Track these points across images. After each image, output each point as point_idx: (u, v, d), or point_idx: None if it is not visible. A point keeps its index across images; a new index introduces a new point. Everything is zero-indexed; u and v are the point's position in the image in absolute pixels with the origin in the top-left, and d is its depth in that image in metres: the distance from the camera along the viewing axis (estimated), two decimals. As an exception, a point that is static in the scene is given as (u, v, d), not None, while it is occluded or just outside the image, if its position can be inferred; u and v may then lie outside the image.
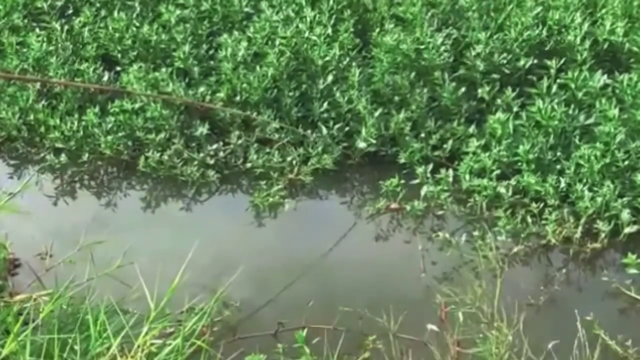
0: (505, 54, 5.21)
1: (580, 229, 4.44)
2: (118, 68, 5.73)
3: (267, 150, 5.20)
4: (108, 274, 3.69)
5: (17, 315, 3.30)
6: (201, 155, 5.18)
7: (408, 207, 4.73)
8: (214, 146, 5.24)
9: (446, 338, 3.69)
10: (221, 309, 3.89)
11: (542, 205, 4.53)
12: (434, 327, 3.69)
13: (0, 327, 3.39)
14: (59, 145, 5.35)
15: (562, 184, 4.60)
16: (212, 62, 5.65)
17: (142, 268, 3.89)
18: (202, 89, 5.42)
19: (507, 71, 5.20)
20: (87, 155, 5.30)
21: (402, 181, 4.82)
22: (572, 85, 4.94)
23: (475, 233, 4.42)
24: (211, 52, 5.70)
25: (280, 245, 4.66)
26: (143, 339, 2.87)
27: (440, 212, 4.70)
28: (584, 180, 4.58)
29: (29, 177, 5.10)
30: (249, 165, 5.14)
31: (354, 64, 5.35)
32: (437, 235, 4.47)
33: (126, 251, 3.92)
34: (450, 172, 4.81)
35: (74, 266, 4.07)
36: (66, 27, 5.88)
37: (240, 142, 5.23)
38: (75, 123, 5.31)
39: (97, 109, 5.36)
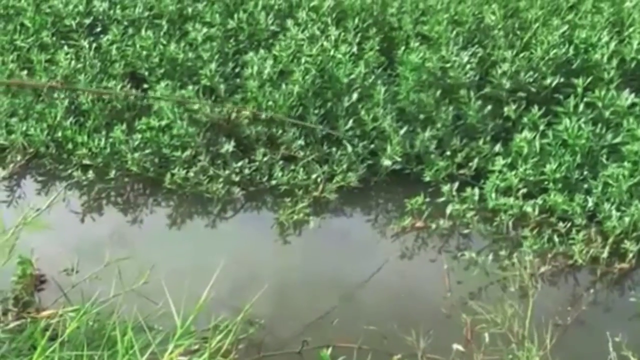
0: (531, 73, 5.20)
1: (607, 248, 4.40)
2: (145, 86, 5.77)
3: (292, 167, 5.20)
4: (134, 290, 3.68)
5: (43, 331, 3.32)
6: (227, 172, 5.20)
7: (433, 226, 4.70)
8: (240, 163, 5.25)
9: (472, 358, 3.64)
10: (246, 327, 3.87)
11: (569, 224, 4.49)
12: (460, 347, 3.65)
13: (27, 342, 3.41)
14: (86, 161, 5.39)
15: (590, 204, 4.57)
16: (238, 80, 5.68)
17: (167, 285, 3.91)
18: (228, 106, 5.43)
19: (533, 90, 5.19)
20: (114, 171, 5.34)
21: (428, 199, 4.81)
22: (599, 104, 4.91)
23: (502, 252, 4.38)
24: (237, 70, 5.73)
25: (305, 263, 4.67)
26: (169, 356, 2.87)
27: (465, 231, 4.68)
28: (612, 200, 4.54)
29: (56, 194, 5.14)
30: (274, 182, 5.16)
31: (379, 81, 5.36)
32: (463, 254, 4.44)
33: (152, 268, 3.92)
34: (476, 190, 4.78)
35: (100, 282, 4.08)
36: (94, 45, 5.95)
37: (265, 159, 5.24)
38: (103, 140, 5.36)
39: (124, 126, 5.40)
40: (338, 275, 4.48)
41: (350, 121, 5.25)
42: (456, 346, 3.67)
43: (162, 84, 5.53)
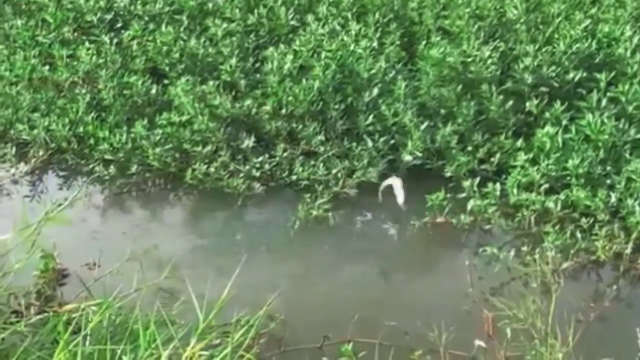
0: (553, 67, 5.15)
1: (631, 244, 4.36)
2: (166, 81, 5.77)
3: (312, 162, 5.19)
4: (155, 284, 3.70)
5: (66, 325, 3.33)
6: (247, 167, 5.20)
7: (454, 221, 4.67)
8: (260, 158, 5.25)
9: (494, 354, 3.62)
10: (266, 322, 3.86)
11: (591, 220, 4.45)
12: (482, 343, 3.63)
13: (50, 336, 3.43)
14: (107, 157, 5.41)
15: (613, 199, 4.52)
16: (258, 75, 5.68)
17: (188, 279, 3.93)
18: (248, 101, 5.44)
19: (555, 84, 5.14)
20: (135, 166, 5.36)
21: (449, 195, 4.76)
22: (623, 99, 4.86)
23: (524, 248, 4.35)
24: (257, 65, 5.73)
25: (325, 258, 4.65)
26: (191, 350, 2.87)
27: (487, 227, 4.64)
28: (635, 195, 4.49)
29: (78, 189, 5.16)
30: (294, 177, 5.15)
31: (399, 76, 5.33)
32: (485, 250, 4.41)
33: (172, 263, 3.94)
34: (498, 186, 4.74)
35: (122, 277, 4.10)
36: (115, 40, 5.99)
37: (285, 154, 5.23)
38: (124, 135, 5.37)
39: (145, 122, 5.41)
40: (358, 271, 4.47)
41: (371, 116, 5.23)
42: (478, 342, 3.65)
43: (183, 79, 5.53)
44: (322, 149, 5.23)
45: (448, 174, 4.95)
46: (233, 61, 5.58)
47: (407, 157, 5.04)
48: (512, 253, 4.35)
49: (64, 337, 2.89)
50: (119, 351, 3.05)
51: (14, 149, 5.66)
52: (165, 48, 5.80)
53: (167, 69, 5.81)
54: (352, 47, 5.48)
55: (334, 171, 5.13)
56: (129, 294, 3.72)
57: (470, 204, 4.69)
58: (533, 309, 3.74)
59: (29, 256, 3.69)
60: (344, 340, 3.75)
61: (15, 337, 3.37)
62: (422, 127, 5.09)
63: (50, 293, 4.18)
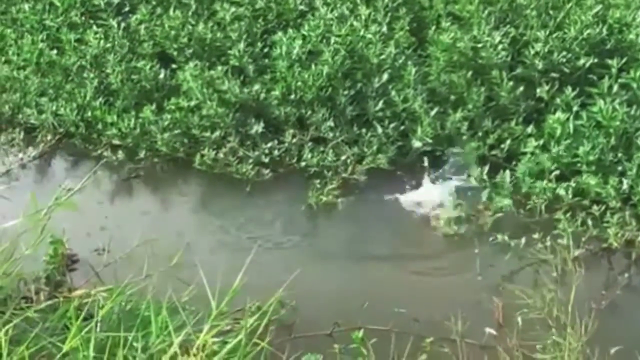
0: (564, 53, 5.10)
1: (643, 231, 4.33)
2: (174, 66, 5.74)
3: (322, 148, 5.17)
4: (166, 271, 3.69)
5: (76, 311, 3.32)
6: (256, 153, 5.18)
7: (465, 208, 4.64)
8: (269, 144, 5.23)
9: (505, 342, 3.60)
10: (276, 308, 3.84)
11: (603, 207, 4.42)
12: (492, 331, 3.62)
13: (60, 322, 3.41)
14: (116, 142, 5.40)
15: (624, 186, 4.49)
16: (266, 60, 5.64)
17: (198, 265, 3.91)
18: (256, 87, 5.41)
19: (566, 70, 5.09)
20: (143, 152, 5.34)
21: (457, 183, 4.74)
22: (634, 85, 4.82)
23: (535, 236, 4.32)
24: (265, 50, 5.68)
25: (334, 245, 4.64)
26: (204, 337, 2.86)
27: (498, 214, 4.60)
28: (647, 182, 4.46)
29: (87, 175, 5.11)
30: (303, 164, 5.13)
31: (409, 62, 5.29)
32: (495, 237, 4.38)
33: (183, 248, 3.93)
34: (507, 173, 4.71)
35: (131, 262, 4.09)
36: (123, 24, 5.95)
37: (294, 140, 5.21)
38: (132, 120, 5.35)
39: (153, 107, 5.38)
40: (368, 258, 4.46)
41: (380, 102, 5.21)
42: (488, 330, 3.63)
43: (191, 64, 5.49)
44: (331, 135, 5.21)
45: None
46: (241, 46, 5.54)
47: (417, 144, 5.01)
48: (523, 241, 4.31)
49: (77, 324, 2.87)
50: (130, 337, 3.03)
51: (22, 134, 5.64)
52: (173, 32, 5.77)
53: (175, 53, 5.78)
54: (361, 32, 5.43)
55: (343, 157, 5.11)
56: (139, 280, 3.72)
57: (484, 194, 4.63)
58: (545, 297, 3.71)
59: (38, 242, 3.68)
60: (354, 327, 3.72)
61: (25, 323, 3.35)
62: (432, 113, 5.05)
63: (59, 279, 4.16)
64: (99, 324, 3.23)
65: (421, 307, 3.95)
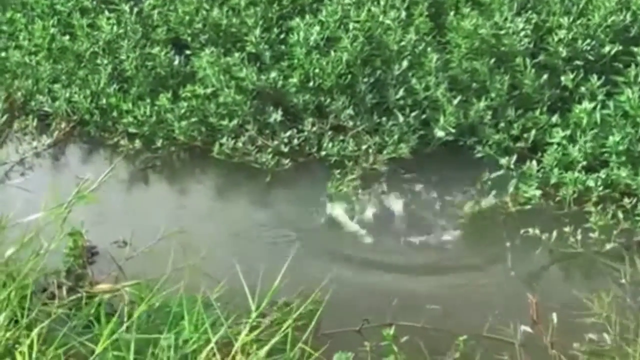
0: (588, 40, 5.00)
1: (675, 224, 4.25)
2: (188, 52, 5.62)
3: (342, 137, 5.08)
4: (191, 265, 3.60)
5: (99, 306, 3.25)
6: (275, 142, 5.09)
7: (491, 200, 4.56)
8: (288, 133, 5.14)
9: (540, 340, 3.52)
10: (301, 303, 3.75)
11: (634, 200, 4.34)
12: (528, 329, 3.54)
13: (86, 318, 3.34)
14: (132, 130, 5.30)
15: (656, 177, 4.41)
16: (283, 47, 5.52)
17: (220, 258, 3.85)
18: (273, 74, 5.30)
19: (591, 58, 4.99)
20: (160, 141, 5.25)
21: (484, 172, 4.65)
22: (661, 73, 4.72)
23: (566, 229, 4.24)
24: (282, 36, 5.56)
25: (357, 238, 4.55)
26: (244, 338, 2.78)
27: (526, 207, 4.51)
28: (678, 174, 4.38)
29: (102, 163, 5.03)
30: (323, 153, 5.04)
31: (429, 49, 5.19)
32: (527, 231, 4.29)
33: (206, 241, 3.85)
34: (534, 163, 4.63)
35: (153, 255, 4.02)
36: (135, 9, 5.80)
37: (314, 129, 5.12)
38: (148, 108, 5.25)
39: (169, 94, 5.28)
40: (393, 252, 4.37)
41: (401, 90, 5.10)
42: (523, 327, 3.55)
43: (207, 50, 5.38)
44: (351, 123, 5.12)
45: (479, 154, 4.81)
46: (257, 32, 5.41)
47: (440, 133, 4.92)
48: (553, 234, 4.23)
49: (108, 325, 2.78)
50: (162, 338, 2.95)
51: (35, 121, 5.54)
52: (187, 18, 5.64)
53: (189, 39, 5.65)
54: (380, 18, 5.32)
55: (363, 147, 5.01)
56: (164, 275, 3.63)
57: (511, 184, 4.55)
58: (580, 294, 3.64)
59: (62, 236, 3.61)
60: (384, 324, 3.65)
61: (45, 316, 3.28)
62: (455, 102, 4.95)
63: (80, 272, 4.08)
64: (126, 320, 3.15)
65: (451, 303, 3.87)
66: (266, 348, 2.82)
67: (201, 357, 2.80)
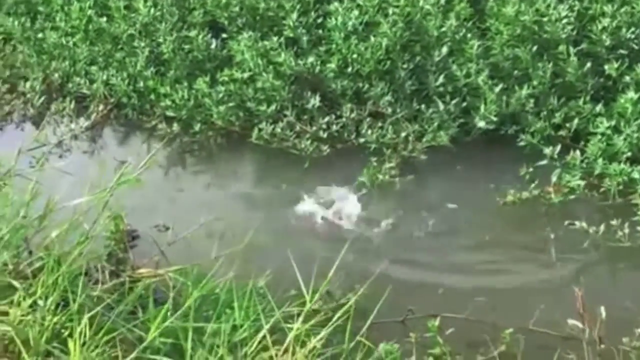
0: (633, 29, 4.90)
1: None
2: (224, 35, 5.58)
3: (380, 124, 5.03)
4: (234, 251, 3.58)
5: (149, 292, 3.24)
6: (313, 128, 5.05)
7: (534, 191, 4.50)
8: (326, 119, 5.10)
9: (587, 334, 3.47)
10: (345, 292, 3.73)
11: (683, 192, 4.27)
12: (576, 323, 3.49)
13: (132, 303, 3.32)
14: (169, 113, 5.28)
15: None
16: (320, 31, 5.46)
17: (262, 245, 3.82)
18: (311, 59, 5.25)
19: (635, 46, 4.90)
20: (198, 125, 5.22)
21: (526, 162, 4.59)
22: None
23: (613, 222, 4.17)
24: (319, 20, 5.50)
25: (396, 227, 4.51)
26: (298, 329, 2.75)
27: (570, 197, 4.45)
28: None
29: (152, 152, 4.94)
30: (361, 140, 4.99)
31: (469, 35, 5.12)
32: (573, 224, 4.22)
33: (246, 227, 3.82)
34: (578, 153, 4.56)
35: (194, 240, 4.00)
36: (172, -9, 5.76)
37: (352, 115, 5.07)
38: (186, 91, 5.23)
39: (207, 78, 5.25)
40: (433, 242, 4.33)
41: (441, 77, 5.05)
42: (571, 321, 3.50)
43: (245, 34, 5.33)
44: (390, 110, 5.07)
45: (522, 142, 4.74)
46: (294, 16, 5.35)
47: (481, 122, 4.86)
48: (600, 227, 4.15)
49: (161, 315, 2.77)
50: (209, 326, 2.94)
51: (72, 103, 5.54)
52: (224, 1, 5.59)
53: (226, 22, 5.60)
54: (420, 3, 5.25)
55: (402, 134, 4.96)
56: (206, 261, 3.62)
57: (554, 174, 4.49)
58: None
59: (107, 221, 3.61)
60: (428, 315, 3.62)
61: (94, 304, 3.27)
62: (496, 89, 4.88)
63: (121, 256, 4.06)
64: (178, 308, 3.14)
65: (495, 295, 3.83)
66: (319, 337, 2.79)
67: (252, 345, 2.78)
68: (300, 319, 2.78)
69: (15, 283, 3.15)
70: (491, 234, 4.40)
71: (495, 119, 4.85)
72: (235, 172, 5.05)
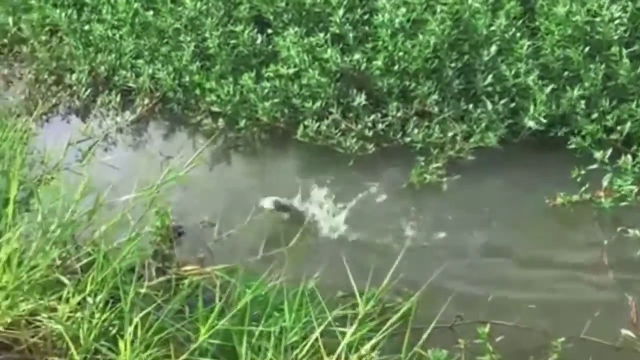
0: (689, 30, 4.78)
1: None
2: (269, 31, 5.54)
3: (426, 123, 4.97)
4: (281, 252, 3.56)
5: (196, 291, 3.22)
6: (359, 126, 5.00)
7: (585, 196, 4.40)
8: (372, 117, 5.04)
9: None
10: (392, 296, 3.68)
11: None
12: (630, 333, 3.40)
13: (180, 303, 3.31)
14: (214, 109, 5.26)
15: None
16: (366, 28, 5.40)
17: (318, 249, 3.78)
18: (357, 55, 5.19)
19: (690, 49, 4.78)
20: (243, 121, 5.20)
21: (576, 165, 4.50)
22: None
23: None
24: (366, 16, 5.44)
25: (443, 230, 4.44)
26: (353, 336, 2.71)
27: (622, 203, 4.35)
28: None
29: (201, 149, 4.93)
30: (408, 139, 4.94)
31: (518, 34, 5.02)
32: (626, 231, 4.13)
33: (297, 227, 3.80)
34: (630, 158, 4.46)
35: (239, 238, 3.99)
36: (218, -15, 5.74)
37: (398, 114, 5.01)
38: (231, 87, 5.20)
39: (252, 73, 5.22)
40: (483, 247, 4.26)
41: (490, 76, 4.96)
42: (625, 331, 3.42)
43: (291, 30, 5.29)
44: (437, 109, 5.00)
45: (572, 145, 4.65)
46: (341, 12, 5.30)
47: (530, 123, 4.77)
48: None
49: (212, 316, 2.75)
50: (259, 327, 2.91)
51: (118, 97, 5.55)
52: (270, -5, 5.56)
53: (271, 18, 5.57)
54: (469, 1, 5.16)
55: (449, 134, 4.90)
56: (253, 259, 3.60)
57: (605, 179, 4.39)
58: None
59: (154, 217, 3.60)
60: (477, 321, 3.55)
61: (143, 301, 3.26)
62: (547, 90, 4.79)
63: (167, 252, 4.06)
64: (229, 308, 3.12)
65: (546, 302, 3.75)
66: (372, 343, 2.75)
67: (302, 349, 2.74)
68: (354, 326, 2.73)
69: (64, 279, 3.15)
70: (540, 237, 4.31)
71: (544, 120, 4.76)
72: (280, 169, 5.02)
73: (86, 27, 5.92)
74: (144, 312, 2.81)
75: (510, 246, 4.28)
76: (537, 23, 5.13)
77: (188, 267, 3.83)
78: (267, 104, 5.11)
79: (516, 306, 3.72)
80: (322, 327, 2.76)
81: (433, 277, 3.23)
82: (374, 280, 3.29)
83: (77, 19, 6.00)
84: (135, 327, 2.80)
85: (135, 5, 5.75)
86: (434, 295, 3.65)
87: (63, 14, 5.96)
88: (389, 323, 2.86)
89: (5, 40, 6.26)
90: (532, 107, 4.79)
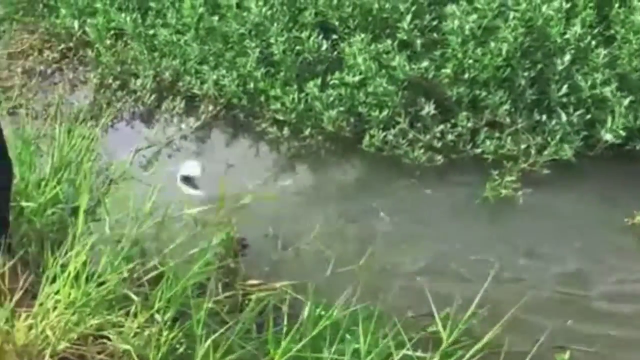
0: None
1: None
2: (334, 37, 5.44)
3: (498, 135, 4.82)
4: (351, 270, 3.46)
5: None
6: (427, 137, 4.87)
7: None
8: (440, 127, 4.91)
9: None
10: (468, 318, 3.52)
11: None
12: None
13: (250, 322, 3.23)
14: (278, 116, 5.19)
15: None
16: (435, 35, 5.26)
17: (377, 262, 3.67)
18: (425, 63, 5.06)
19: None
20: (308, 129, 5.12)
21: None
22: None
23: None
24: (434, 23, 5.30)
25: (520, 249, 4.28)
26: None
27: None
28: None
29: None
30: (478, 150, 4.79)
31: (593, 42, 4.83)
32: None
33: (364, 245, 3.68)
34: None
35: (306, 253, 3.90)
36: (284, -10, 5.65)
37: (468, 124, 4.87)
38: (296, 94, 5.12)
39: (317, 81, 5.13)
40: (557, 265, 4.09)
41: (565, 87, 4.78)
42: None
43: (357, 36, 5.18)
44: (508, 120, 4.84)
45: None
46: (409, 18, 5.16)
47: (608, 136, 4.59)
48: None
49: (287, 340, 2.66)
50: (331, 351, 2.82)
51: (182, 103, 5.52)
52: (336, 1, 5.44)
53: (337, 23, 5.46)
54: (542, 8, 4.98)
55: (522, 146, 4.73)
56: (322, 276, 3.51)
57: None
58: None
59: (222, 234, 3.54)
60: (555, 346, 3.40)
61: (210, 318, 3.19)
62: (625, 102, 4.59)
63: (233, 266, 3.99)
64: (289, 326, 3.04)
65: (628, 326, 3.57)
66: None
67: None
68: (438, 353, 2.61)
69: (132, 295, 3.10)
70: (618, 256, 4.12)
71: (623, 133, 4.57)
72: (346, 181, 4.90)
73: (151, 32, 5.89)
74: (217, 334, 2.73)
75: (584, 269, 4.10)
76: (612, 31, 4.94)
77: (253, 282, 3.76)
78: (332, 112, 5.02)
79: (596, 331, 3.55)
80: (401, 354, 2.65)
81: (515, 307, 3.02)
82: (442, 302, 3.17)
83: (142, 23, 5.97)
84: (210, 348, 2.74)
85: (200, 9, 5.69)
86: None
87: (128, 18, 5.94)
88: (472, 350, 2.71)
89: (71, 44, 6.26)
90: (609, 120, 4.60)
